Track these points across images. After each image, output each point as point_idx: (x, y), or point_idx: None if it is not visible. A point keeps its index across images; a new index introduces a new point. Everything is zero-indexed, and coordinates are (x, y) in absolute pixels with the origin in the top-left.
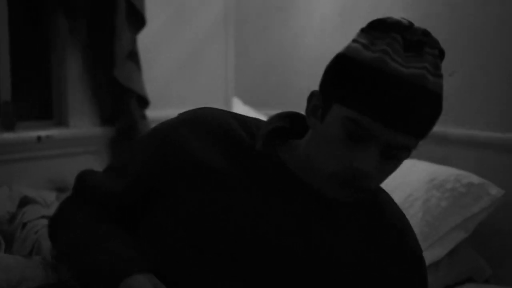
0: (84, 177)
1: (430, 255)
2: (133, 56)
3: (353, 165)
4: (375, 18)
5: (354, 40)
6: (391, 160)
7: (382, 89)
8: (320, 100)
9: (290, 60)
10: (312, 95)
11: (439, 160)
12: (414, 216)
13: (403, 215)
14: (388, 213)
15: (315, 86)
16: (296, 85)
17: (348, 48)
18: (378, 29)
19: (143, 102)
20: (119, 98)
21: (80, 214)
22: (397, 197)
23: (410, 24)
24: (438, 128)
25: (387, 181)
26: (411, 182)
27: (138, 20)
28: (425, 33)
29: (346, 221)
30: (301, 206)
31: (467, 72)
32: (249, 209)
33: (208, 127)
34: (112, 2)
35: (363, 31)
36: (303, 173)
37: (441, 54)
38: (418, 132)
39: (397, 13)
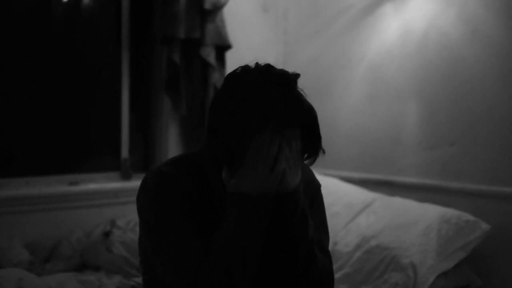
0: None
1: (442, 266)
2: None
3: None
4: (397, 102)
5: None
6: None
7: None
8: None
9: (330, 131)
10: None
11: (445, 205)
12: (431, 240)
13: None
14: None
15: (350, 149)
16: (334, 150)
17: None
18: None
19: None
20: None
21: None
22: (420, 227)
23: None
24: (441, 182)
25: (414, 215)
26: (429, 217)
27: None
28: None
29: None
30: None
31: (464, 142)
32: None
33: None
34: (204, 86)
35: None
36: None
37: None
38: None
39: (412, 101)
